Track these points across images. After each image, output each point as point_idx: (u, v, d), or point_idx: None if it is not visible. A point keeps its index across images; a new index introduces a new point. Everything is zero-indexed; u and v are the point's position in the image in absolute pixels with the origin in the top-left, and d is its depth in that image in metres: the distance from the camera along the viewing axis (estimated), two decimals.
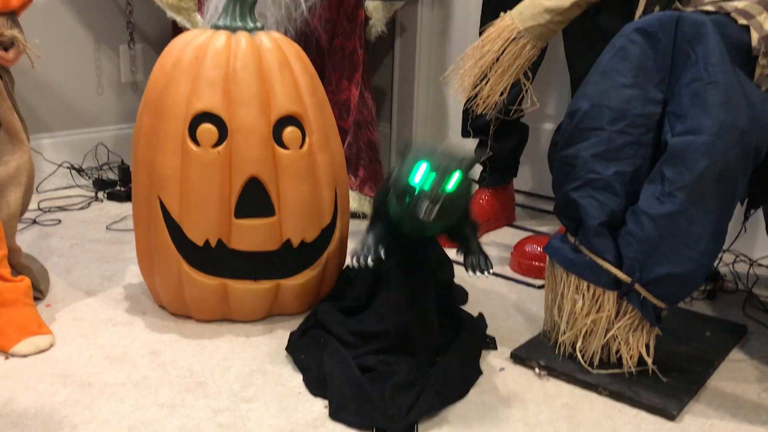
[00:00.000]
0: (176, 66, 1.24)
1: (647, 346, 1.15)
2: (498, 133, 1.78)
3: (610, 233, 1.12)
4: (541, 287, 1.52)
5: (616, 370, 1.16)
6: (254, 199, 1.24)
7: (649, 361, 1.14)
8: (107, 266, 1.57)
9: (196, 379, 1.14)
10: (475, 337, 1.24)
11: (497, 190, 1.90)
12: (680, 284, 1.09)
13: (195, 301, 1.29)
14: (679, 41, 1.09)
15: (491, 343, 1.27)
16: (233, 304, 1.29)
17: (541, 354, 1.22)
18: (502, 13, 1.45)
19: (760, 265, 1.63)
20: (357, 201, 1.89)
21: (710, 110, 1.04)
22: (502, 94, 1.46)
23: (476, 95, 1.47)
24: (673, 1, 1.23)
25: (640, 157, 1.11)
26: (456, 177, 1.04)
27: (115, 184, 2.09)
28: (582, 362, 1.17)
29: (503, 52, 1.43)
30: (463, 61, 1.46)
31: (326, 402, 1.08)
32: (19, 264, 1.34)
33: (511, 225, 1.94)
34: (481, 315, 1.33)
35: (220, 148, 1.22)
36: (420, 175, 1.04)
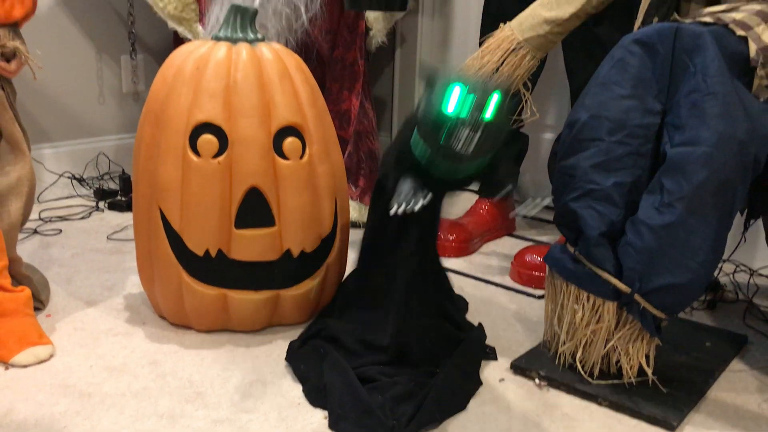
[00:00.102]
0: (177, 77, 1.24)
1: (647, 357, 1.15)
2: None
3: (610, 244, 1.13)
4: (541, 297, 1.52)
5: (616, 381, 1.16)
6: (254, 210, 1.24)
7: (649, 371, 1.14)
8: (108, 276, 1.57)
9: (196, 390, 1.14)
10: (474, 347, 1.24)
11: (497, 200, 1.91)
12: (680, 295, 1.09)
13: (195, 311, 1.30)
14: (678, 52, 1.10)
15: (491, 354, 1.27)
16: (233, 314, 1.30)
17: (541, 364, 1.22)
18: (501, 24, 1.46)
19: (761, 275, 1.63)
20: (357, 211, 1.89)
21: (709, 121, 1.04)
22: None
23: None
24: (671, 13, 1.24)
25: (639, 167, 1.11)
26: (495, 100, 0.94)
27: (116, 194, 2.09)
28: (582, 373, 1.17)
29: (503, 62, 1.44)
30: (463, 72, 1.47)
31: (326, 413, 1.08)
32: (19, 274, 1.34)
33: (511, 235, 1.94)
34: (480, 325, 1.33)
35: (221, 158, 1.22)
36: (454, 101, 0.93)
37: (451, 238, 1.76)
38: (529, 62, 1.44)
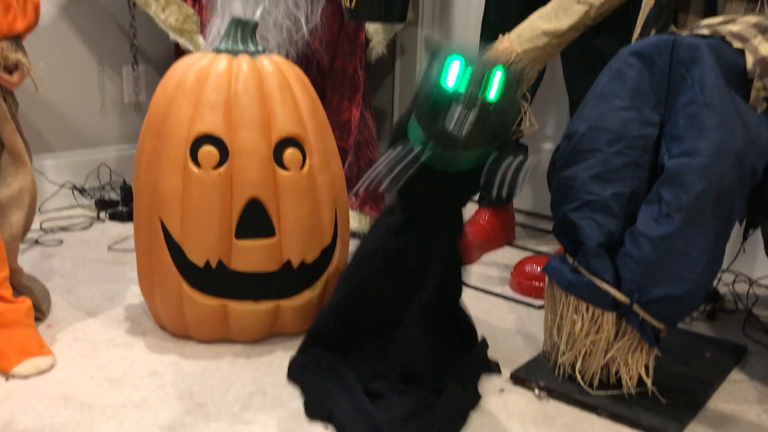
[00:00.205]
0: (178, 89, 1.25)
1: (646, 367, 1.15)
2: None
3: (609, 254, 1.13)
4: (541, 307, 1.52)
5: (616, 392, 1.16)
6: (255, 220, 1.25)
7: (649, 382, 1.14)
8: (108, 287, 1.57)
9: (196, 401, 1.14)
10: (478, 365, 1.23)
11: (497, 210, 1.91)
12: (678, 305, 1.09)
13: (195, 322, 1.30)
14: (675, 64, 1.10)
15: (495, 368, 1.26)
16: (233, 324, 1.30)
17: (541, 375, 1.22)
18: (500, 36, 1.47)
19: (760, 285, 1.63)
20: (357, 221, 1.90)
21: (706, 132, 1.05)
22: None
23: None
24: (669, 25, 1.25)
25: (637, 178, 1.12)
26: (498, 78, 0.84)
27: (117, 204, 2.10)
28: (581, 383, 1.17)
29: None
30: None
31: (325, 425, 1.08)
32: (20, 285, 1.35)
33: (511, 245, 1.95)
34: (484, 340, 1.30)
35: (221, 169, 1.23)
36: (454, 75, 0.84)
37: None
38: (528, 74, 1.45)
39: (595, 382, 1.17)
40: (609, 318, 1.13)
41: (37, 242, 1.83)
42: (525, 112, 1.52)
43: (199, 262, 1.25)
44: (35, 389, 1.16)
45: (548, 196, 1.23)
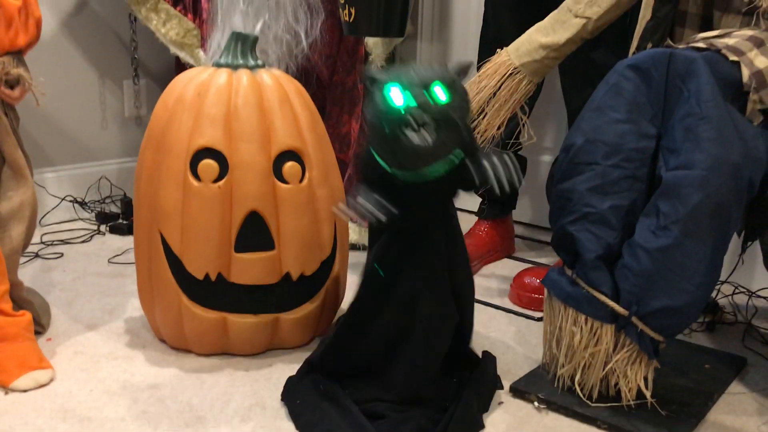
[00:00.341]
0: (178, 103, 1.26)
1: (646, 379, 1.15)
2: None
3: (607, 266, 1.13)
4: (540, 319, 1.52)
5: (615, 404, 1.16)
6: (254, 233, 1.25)
7: (648, 394, 1.14)
8: (108, 300, 1.58)
9: (196, 414, 1.14)
10: (487, 381, 1.21)
11: (496, 222, 1.92)
12: (677, 317, 1.09)
13: (195, 335, 1.30)
14: (672, 77, 1.11)
15: (498, 384, 1.25)
16: (233, 337, 1.30)
17: (540, 387, 1.22)
18: (498, 50, 1.48)
19: (759, 296, 1.63)
20: (357, 233, 1.90)
21: (703, 145, 1.05)
22: (499, 128, 1.48)
23: (474, 129, 1.49)
24: (665, 39, 1.26)
25: (635, 190, 1.12)
26: (439, 89, 0.91)
27: (118, 217, 2.10)
28: (581, 395, 1.17)
29: (500, 87, 1.46)
30: None
31: None
32: (20, 298, 1.35)
33: (510, 257, 1.95)
34: (491, 355, 1.28)
35: (221, 183, 1.23)
36: (398, 97, 0.90)
37: None
38: (526, 87, 1.45)
39: (595, 395, 1.17)
40: (608, 330, 1.14)
41: (37, 255, 1.84)
42: (523, 125, 1.53)
43: (199, 275, 1.25)
44: (35, 403, 1.16)
45: (547, 208, 1.24)
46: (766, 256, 1.32)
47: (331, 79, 1.99)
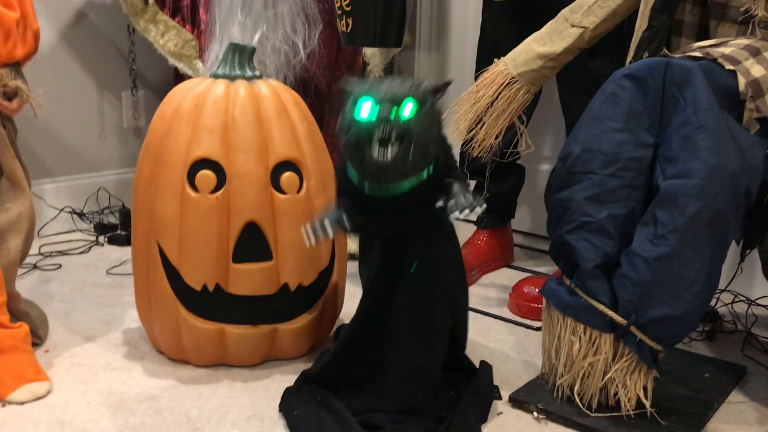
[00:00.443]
0: (176, 114, 1.26)
1: (645, 389, 1.14)
2: (495, 174, 1.80)
3: (605, 276, 1.13)
4: (539, 329, 1.51)
5: (615, 414, 1.15)
6: (252, 244, 1.25)
7: (648, 403, 1.14)
8: (106, 311, 1.57)
9: (193, 425, 1.14)
10: (485, 390, 1.21)
11: (495, 231, 1.91)
12: (675, 326, 1.09)
13: (192, 346, 1.30)
14: (668, 86, 1.12)
15: (496, 394, 1.25)
16: (231, 348, 1.30)
17: (540, 397, 1.21)
18: (496, 59, 1.48)
19: (759, 305, 1.62)
20: (355, 243, 1.90)
21: (700, 154, 1.05)
22: (497, 137, 1.48)
23: (472, 138, 1.49)
24: (661, 48, 1.26)
25: (632, 199, 1.12)
26: (410, 105, 0.92)
27: (116, 228, 2.10)
28: (580, 405, 1.17)
29: (497, 96, 1.46)
30: (459, 106, 1.49)
31: None
32: (18, 310, 1.35)
33: (509, 266, 1.95)
34: (488, 365, 1.28)
35: (219, 193, 1.23)
36: (366, 111, 0.92)
37: None
38: (524, 96, 1.46)
39: (594, 404, 1.17)
40: (607, 339, 1.13)
41: (35, 267, 1.83)
42: (521, 134, 1.53)
43: (197, 286, 1.25)
44: (32, 415, 1.16)
45: (546, 217, 1.24)
46: (765, 265, 1.32)
47: (330, 89, 1.99)
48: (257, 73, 1.34)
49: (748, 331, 1.50)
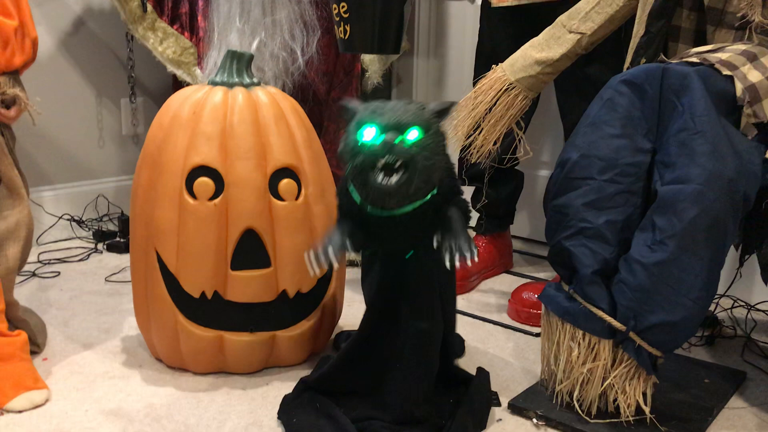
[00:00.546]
0: (174, 121, 1.26)
1: (644, 395, 1.14)
2: (494, 180, 1.80)
3: (604, 281, 1.13)
4: (538, 335, 1.51)
5: (614, 420, 1.15)
6: (250, 251, 1.25)
7: (647, 409, 1.14)
8: (105, 318, 1.57)
9: None
10: (482, 396, 1.20)
11: (494, 237, 1.91)
12: (674, 332, 1.09)
13: (191, 354, 1.29)
14: (666, 92, 1.12)
15: (495, 400, 1.24)
16: (229, 356, 1.29)
17: (539, 403, 1.21)
18: (494, 66, 1.49)
19: (758, 310, 1.62)
20: None
21: (698, 159, 1.05)
22: (495, 143, 1.49)
23: (470, 144, 1.49)
24: (658, 53, 1.26)
25: (630, 205, 1.12)
26: (414, 132, 0.92)
27: (115, 236, 2.10)
28: (579, 412, 1.16)
29: (496, 102, 1.46)
30: (457, 112, 1.49)
31: None
32: (16, 318, 1.34)
33: (508, 272, 1.95)
34: (485, 371, 1.27)
35: (217, 201, 1.23)
36: (371, 135, 0.92)
37: None
38: (522, 102, 1.46)
39: (593, 411, 1.16)
40: (606, 345, 1.13)
41: (34, 274, 1.83)
42: (519, 140, 1.53)
43: (195, 293, 1.25)
44: (30, 424, 1.16)
45: (545, 223, 1.24)
46: (763, 270, 1.31)
47: (328, 95, 1.99)
48: (255, 80, 1.34)
49: (747, 337, 1.50)
